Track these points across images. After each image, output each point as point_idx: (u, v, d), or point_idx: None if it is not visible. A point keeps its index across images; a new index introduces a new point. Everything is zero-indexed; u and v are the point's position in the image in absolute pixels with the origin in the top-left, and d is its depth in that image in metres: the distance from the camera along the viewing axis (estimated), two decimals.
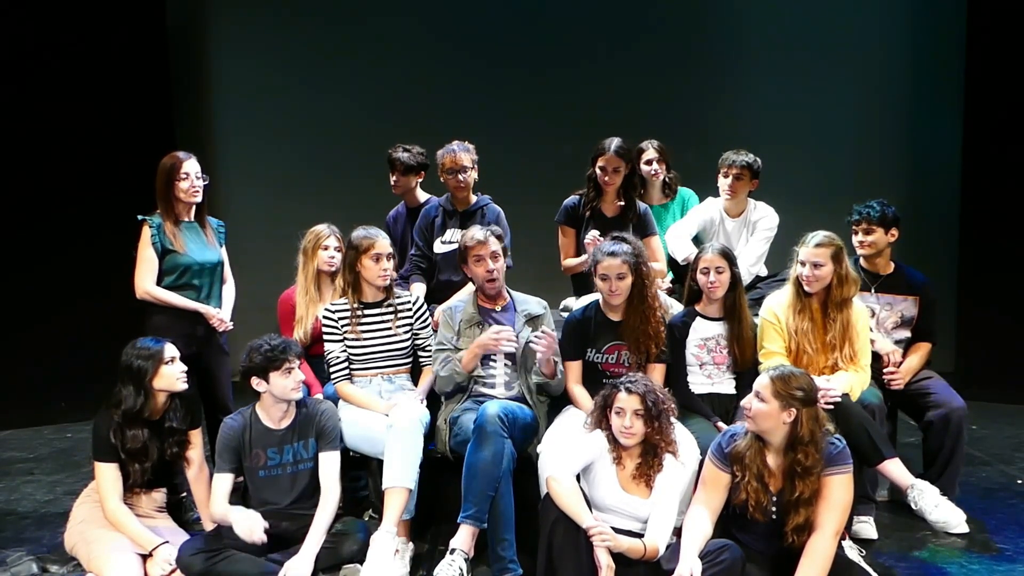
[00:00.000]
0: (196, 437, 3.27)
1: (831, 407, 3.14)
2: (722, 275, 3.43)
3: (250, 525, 2.91)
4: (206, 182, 3.70)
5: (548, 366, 3.36)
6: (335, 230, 3.91)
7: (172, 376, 3.13)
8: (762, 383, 2.76)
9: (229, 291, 3.90)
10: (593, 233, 3.84)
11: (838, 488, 2.73)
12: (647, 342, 3.37)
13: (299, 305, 3.84)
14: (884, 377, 3.61)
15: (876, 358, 3.60)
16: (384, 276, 3.49)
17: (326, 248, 3.85)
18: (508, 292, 3.58)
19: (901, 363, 3.66)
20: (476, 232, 3.48)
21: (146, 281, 3.60)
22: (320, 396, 3.58)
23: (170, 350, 3.16)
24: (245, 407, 3.23)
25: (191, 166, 3.66)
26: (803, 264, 3.41)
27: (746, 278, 3.89)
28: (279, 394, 3.11)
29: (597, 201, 4.07)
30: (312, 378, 3.71)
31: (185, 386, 3.19)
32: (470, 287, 3.87)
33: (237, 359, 3.99)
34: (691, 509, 2.85)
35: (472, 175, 4.05)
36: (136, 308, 3.66)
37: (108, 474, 3.08)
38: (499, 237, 3.50)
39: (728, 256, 3.48)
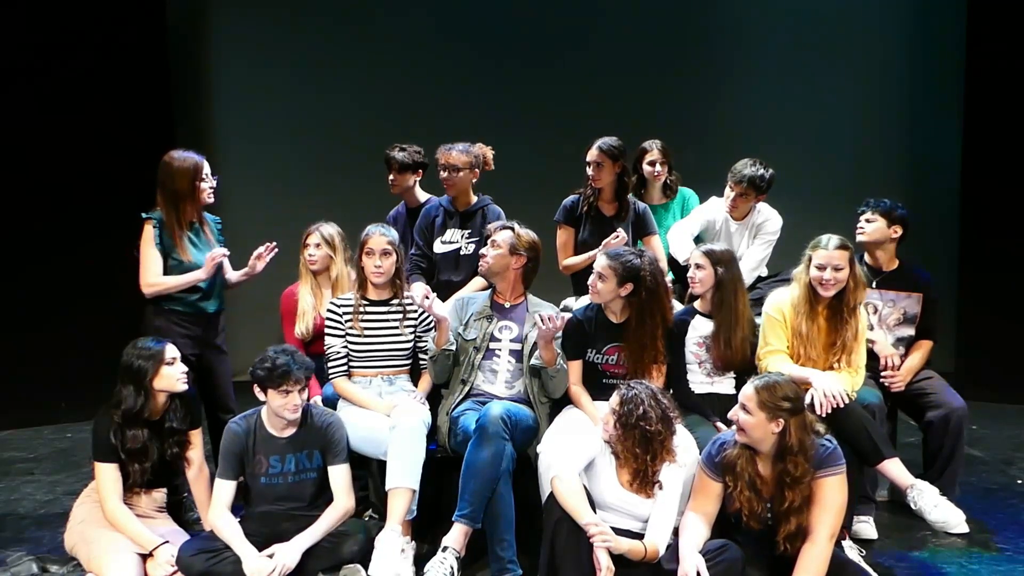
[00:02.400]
0: (196, 437, 3.26)
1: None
2: (701, 272, 3.42)
3: (257, 568, 2.88)
4: (216, 180, 3.70)
5: (547, 351, 3.33)
6: (323, 227, 3.90)
7: (173, 377, 3.13)
8: (747, 394, 2.72)
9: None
10: (620, 234, 3.87)
11: (831, 490, 2.70)
12: (648, 363, 3.35)
13: (301, 300, 3.86)
14: (883, 380, 3.61)
15: (875, 357, 3.60)
16: (376, 272, 3.48)
17: (306, 246, 3.87)
18: (526, 294, 3.60)
19: (902, 364, 3.66)
20: (495, 223, 3.64)
21: (150, 276, 3.56)
22: (319, 399, 3.57)
23: (171, 351, 3.15)
24: (251, 411, 3.20)
25: (207, 167, 3.64)
26: (821, 268, 3.31)
27: (748, 281, 3.87)
28: (273, 410, 3.09)
29: (595, 200, 4.07)
30: (311, 379, 3.69)
31: (185, 387, 3.18)
32: (479, 282, 3.88)
33: (237, 359, 4.01)
34: (686, 516, 2.84)
35: (463, 176, 4.02)
36: (136, 308, 3.66)
37: (108, 474, 3.07)
38: (511, 230, 3.52)
39: (713, 256, 3.42)
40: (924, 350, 3.75)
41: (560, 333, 3.41)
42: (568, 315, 3.48)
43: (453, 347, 3.44)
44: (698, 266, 3.44)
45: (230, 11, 6.49)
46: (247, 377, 3.10)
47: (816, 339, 3.37)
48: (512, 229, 3.53)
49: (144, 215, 3.60)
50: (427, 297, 3.38)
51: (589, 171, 4.03)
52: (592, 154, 4.01)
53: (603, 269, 3.36)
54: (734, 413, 2.76)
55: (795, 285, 3.43)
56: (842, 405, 3.13)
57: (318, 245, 3.87)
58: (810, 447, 2.70)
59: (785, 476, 2.68)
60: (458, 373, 3.47)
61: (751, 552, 2.76)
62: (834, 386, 3.15)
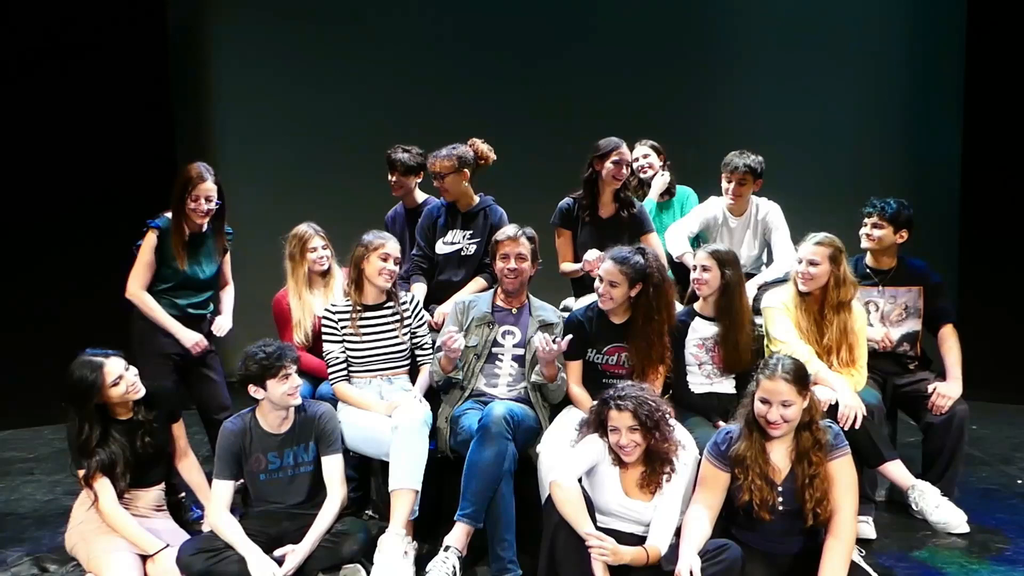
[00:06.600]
0: (178, 430, 3.28)
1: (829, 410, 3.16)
2: (707, 273, 3.41)
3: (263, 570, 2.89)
4: (217, 206, 3.64)
5: (550, 368, 3.34)
6: (317, 228, 3.91)
7: (121, 393, 3.07)
8: (784, 389, 2.71)
9: (229, 295, 3.91)
10: (593, 252, 3.80)
11: (844, 469, 2.76)
12: (654, 361, 3.35)
13: (294, 309, 3.84)
14: (931, 403, 3.58)
15: (873, 356, 3.59)
16: (389, 274, 3.48)
17: (313, 249, 3.87)
18: (528, 296, 3.58)
19: (895, 347, 3.70)
20: (509, 229, 3.52)
21: (136, 284, 3.58)
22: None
23: (112, 372, 3.04)
24: (245, 410, 3.21)
25: (205, 189, 3.58)
26: (800, 261, 3.44)
27: (786, 272, 3.83)
28: (277, 400, 3.08)
29: (593, 203, 4.05)
30: (323, 366, 3.68)
31: (141, 394, 3.12)
32: (479, 283, 3.87)
33: (232, 358, 4.01)
34: (690, 509, 2.84)
35: (451, 180, 3.92)
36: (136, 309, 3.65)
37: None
38: (531, 239, 3.48)
39: (720, 258, 3.42)
40: (950, 342, 3.70)
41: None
42: (560, 339, 3.37)
43: (460, 376, 3.43)
44: (705, 268, 3.42)
45: (230, 12, 6.49)
46: None
47: (807, 336, 3.41)
48: (526, 236, 3.47)
49: (148, 223, 3.60)
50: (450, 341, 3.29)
51: (619, 170, 3.92)
52: (623, 154, 3.93)
53: (614, 276, 3.33)
54: (774, 414, 2.71)
55: (789, 284, 3.54)
56: (858, 423, 3.16)
57: (325, 247, 3.88)
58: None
59: (813, 443, 2.72)
60: (458, 379, 3.46)
61: (757, 549, 2.77)
62: (861, 405, 3.21)
